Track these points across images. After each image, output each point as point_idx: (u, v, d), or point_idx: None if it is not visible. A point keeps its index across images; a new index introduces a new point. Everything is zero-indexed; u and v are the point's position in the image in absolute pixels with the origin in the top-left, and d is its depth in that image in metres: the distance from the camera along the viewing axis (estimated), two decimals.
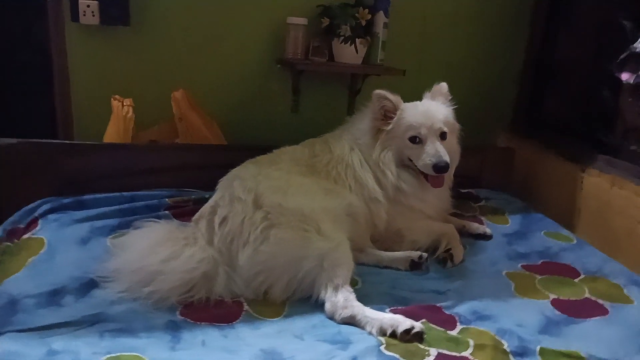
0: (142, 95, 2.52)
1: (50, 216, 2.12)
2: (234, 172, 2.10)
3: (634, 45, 2.52)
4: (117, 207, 2.22)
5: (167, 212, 2.24)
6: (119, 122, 2.37)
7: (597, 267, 2.14)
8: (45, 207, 2.16)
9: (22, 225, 2.09)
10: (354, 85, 2.99)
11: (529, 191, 3.02)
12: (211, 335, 1.57)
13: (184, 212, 2.21)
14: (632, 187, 2.41)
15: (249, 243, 1.79)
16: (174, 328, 1.58)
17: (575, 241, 2.38)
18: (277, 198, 1.88)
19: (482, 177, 2.97)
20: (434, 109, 2.18)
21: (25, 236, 2.01)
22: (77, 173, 2.30)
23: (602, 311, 1.84)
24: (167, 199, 2.31)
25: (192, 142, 2.51)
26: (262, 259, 1.76)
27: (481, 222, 2.50)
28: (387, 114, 2.15)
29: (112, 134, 2.41)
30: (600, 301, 1.90)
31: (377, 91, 2.13)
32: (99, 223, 2.11)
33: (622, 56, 2.58)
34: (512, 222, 2.55)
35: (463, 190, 2.79)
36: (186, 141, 2.51)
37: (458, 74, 3.05)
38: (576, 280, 2.05)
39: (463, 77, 3.11)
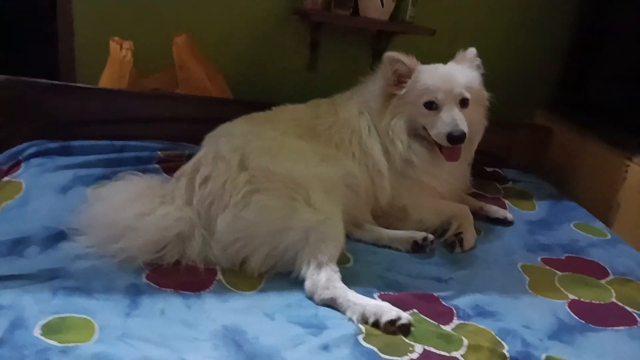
0: (144, 39, 2.35)
1: (34, 160, 2.03)
2: (223, 127, 1.92)
3: None
4: (105, 156, 2.12)
5: (157, 165, 2.11)
6: (116, 66, 2.21)
7: (630, 268, 1.89)
8: (30, 150, 2.07)
9: (4, 167, 2.02)
10: (378, 44, 2.77)
11: (563, 177, 2.79)
12: (173, 304, 1.42)
13: (175, 167, 2.03)
14: None
15: (229, 207, 1.62)
16: (135, 292, 1.44)
17: (609, 236, 2.13)
18: (264, 160, 1.69)
19: (511, 157, 2.74)
20: (455, 72, 1.93)
21: (6, 178, 1.93)
22: (66, 116, 2.19)
23: (630, 321, 1.59)
24: (159, 152, 2.19)
25: (193, 93, 2.33)
26: (242, 226, 1.59)
27: (503, 206, 2.26)
28: (401, 79, 1.91)
29: (107, 78, 2.25)
30: (628, 308, 1.65)
31: (389, 53, 1.91)
32: (83, 171, 1.99)
33: None
34: (539, 209, 2.32)
35: (488, 169, 2.57)
36: (186, 92, 2.35)
37: (495, 41, 2.83)
38: (603, 281, 1.81)
39: (500, 44, 2.88)
